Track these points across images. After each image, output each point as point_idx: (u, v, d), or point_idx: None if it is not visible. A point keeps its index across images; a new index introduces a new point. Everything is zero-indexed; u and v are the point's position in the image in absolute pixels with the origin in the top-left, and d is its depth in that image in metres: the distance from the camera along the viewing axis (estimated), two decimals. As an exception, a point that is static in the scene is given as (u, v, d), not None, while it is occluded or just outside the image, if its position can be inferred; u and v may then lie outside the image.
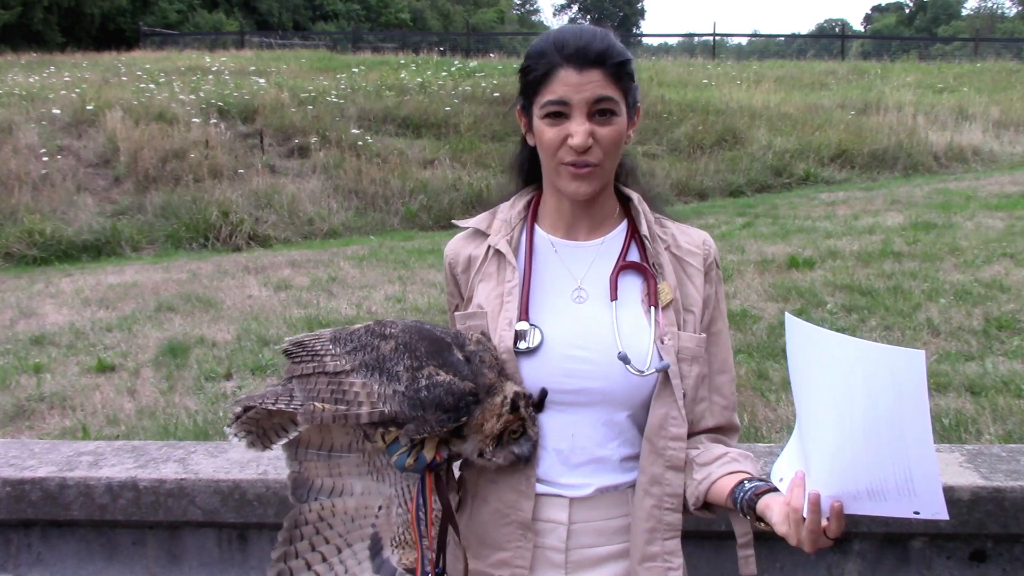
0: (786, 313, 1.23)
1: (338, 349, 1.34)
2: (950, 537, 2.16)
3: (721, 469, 1.35)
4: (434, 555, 1.35)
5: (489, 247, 1.45)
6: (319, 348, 1.36)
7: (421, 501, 1.34)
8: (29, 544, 2.35)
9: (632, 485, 1.39)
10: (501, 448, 1.32)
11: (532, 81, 1.35)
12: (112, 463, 2.32)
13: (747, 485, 1.29)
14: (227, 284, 6.05)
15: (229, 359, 4.25)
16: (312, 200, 9.05)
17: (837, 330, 1.24)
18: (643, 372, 1.34)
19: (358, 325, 1.39)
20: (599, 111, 1.32)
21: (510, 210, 1.48)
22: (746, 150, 10.68)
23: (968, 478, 2.12)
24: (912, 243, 6.15)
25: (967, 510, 2.09)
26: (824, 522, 1.14)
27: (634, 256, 1.43)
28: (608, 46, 1.32)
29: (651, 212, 1.46)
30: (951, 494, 2.09)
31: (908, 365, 1.03)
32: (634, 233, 1.44)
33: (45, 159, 9.19)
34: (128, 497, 2.24)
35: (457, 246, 1.51)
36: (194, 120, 10.24)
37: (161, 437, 3.22)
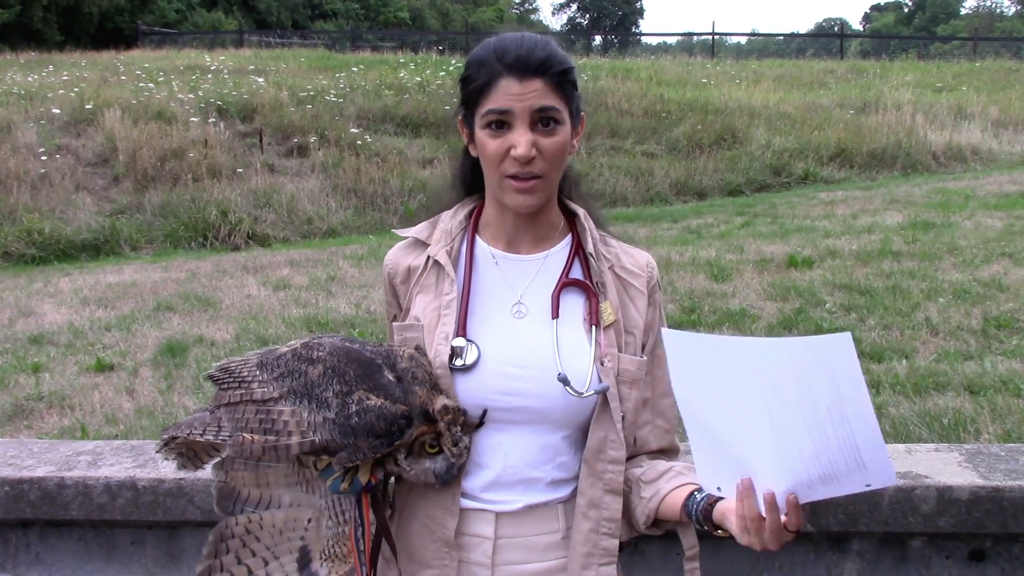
0: (661, 329, 1.19)
1: (265, 375, 1.30)
2: (949, 537, 2.16)
3: (669, 484, 1.33)
4: (368, 572, 1.32)
5: (429, 258, 1.41)
6: (246, 374, 1.32)
7: (359, 519, 1.31)
8: (28, 544, 2.35)
9: (562, 502, 1.36)
10: (415, 459, 1.29)
11: (473, 91, 1.31)
12: (111, 463, 2.32)
13: (698, 496, 1.27)
14: (226, 283, 6.05)
15: (228, 358, 4.23)
16: (311, 199, 9.06)
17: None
18: (582, 393, 1.30)
19: (285, 348, 1.35)
20: (542, 120, 1.29)
21: (451, 220, 1.44)
22: (745, 149, 10.69)
23: (967, 478, 2.12)
24: (911, 242, 6.15)
25: (966, 510, 2.09)
26: (783, 518, 1.13)
27: (577, 273, 1.39)
28: (549, 55, 1.29)
29: (596, 230, 1.43)
30: (950, 494, 2.09)
31: (838, 349, 1.03)
32: (578, 249, 1.41)
33: (44, 158, 9.19)
34: (127, 497, 2.24)
35: (397, 256, 1.47)
36: (193, 119, 10.24)
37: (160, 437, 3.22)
